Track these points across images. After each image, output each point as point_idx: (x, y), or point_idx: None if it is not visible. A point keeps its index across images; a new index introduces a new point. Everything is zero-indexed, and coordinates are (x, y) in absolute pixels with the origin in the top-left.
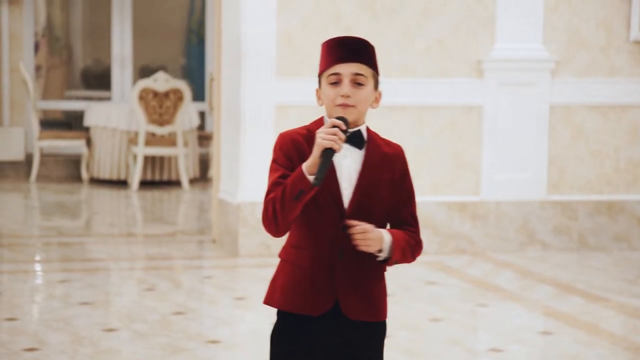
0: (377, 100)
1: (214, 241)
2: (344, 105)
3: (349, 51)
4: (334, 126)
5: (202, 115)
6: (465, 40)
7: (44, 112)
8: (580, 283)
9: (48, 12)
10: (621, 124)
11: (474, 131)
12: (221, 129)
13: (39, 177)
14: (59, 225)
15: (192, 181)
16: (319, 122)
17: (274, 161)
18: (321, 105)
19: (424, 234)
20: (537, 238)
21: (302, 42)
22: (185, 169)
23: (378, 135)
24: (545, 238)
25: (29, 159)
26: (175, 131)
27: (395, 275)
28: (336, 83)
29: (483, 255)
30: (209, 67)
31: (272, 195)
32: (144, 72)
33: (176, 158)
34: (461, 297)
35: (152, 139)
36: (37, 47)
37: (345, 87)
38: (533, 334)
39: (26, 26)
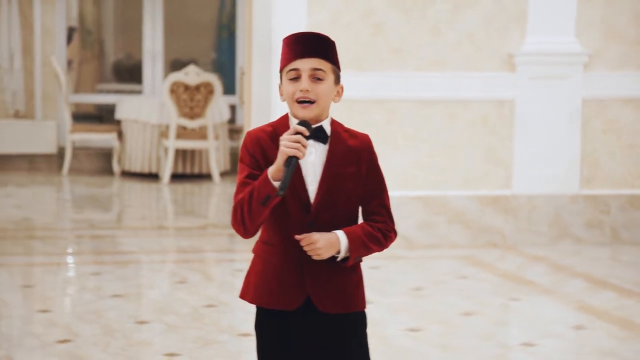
0: (338, 94)
1: None
2: (304, 101)
3: (307, 47)
4: (297, 132)
5: (232, 108)
6: (497, 34)
7: (76, 105)
8: (613, 277)
9: (80, 7)
10: None
11: (506, 125)
12: (251, 122)
13: (71, 170)
14: (91, 218)
15: (223, 174)
16: (284, 119)
17: (241, 160)
18: (283, 101)
19: (456, 228)
20: (569, 232)
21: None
22: (216, 162)
23: (343, 128)
24: (577, 232)
25: (61, 152)
26: (206, 124)
27: (426, 270)
28: (296, 78)
29: (515, 250)
30: (240, 61)
31: (240, 196)
32: (174, 65)
33: (207, 151)
34: (493, 291)
35: (183, 132)
36: (69, 41)
37: (304, 82)
38: (566, 329)
39: (58, 20)
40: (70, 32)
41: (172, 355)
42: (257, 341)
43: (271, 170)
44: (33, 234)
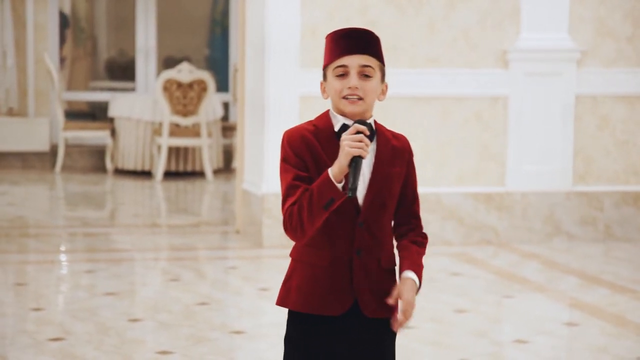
0: (383, 92)
1: (237, 232)
2: (352, 98)
3: (355, 43)
4: (358, 132)
5: (225, 106)
6: (491, 30)
7: (69, 102)
8: (607, 274)
9: (73, 4)
10: None
11: (500, 122)
12: (245, 119)
13: (64, 168)
14: (84, 215)
15: (216, 172)
16: (325, 116)
17: (284, 160)
18: (326, 98)
19: (450, 225)
20: (563, 229)
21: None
22: (209, 160)
23: (385, 128)
24: (571, 229)
25: (53, 150)
26: (199, 122)
27: None
28: (343, 75)
29: (508, 247)
30: (233, 58)
31: (291, 200)
32: (168, 63)
33: (200, 149)
34: (487, 289)
35: (176, 130)
36: (62, 39)
37: (353, 78)
38: (559, 325)
39: (51, 17)
40: (63, 29)
41: (164, 352)
42: (290, 351)
43: (333, 172)
44: (26, 231)
